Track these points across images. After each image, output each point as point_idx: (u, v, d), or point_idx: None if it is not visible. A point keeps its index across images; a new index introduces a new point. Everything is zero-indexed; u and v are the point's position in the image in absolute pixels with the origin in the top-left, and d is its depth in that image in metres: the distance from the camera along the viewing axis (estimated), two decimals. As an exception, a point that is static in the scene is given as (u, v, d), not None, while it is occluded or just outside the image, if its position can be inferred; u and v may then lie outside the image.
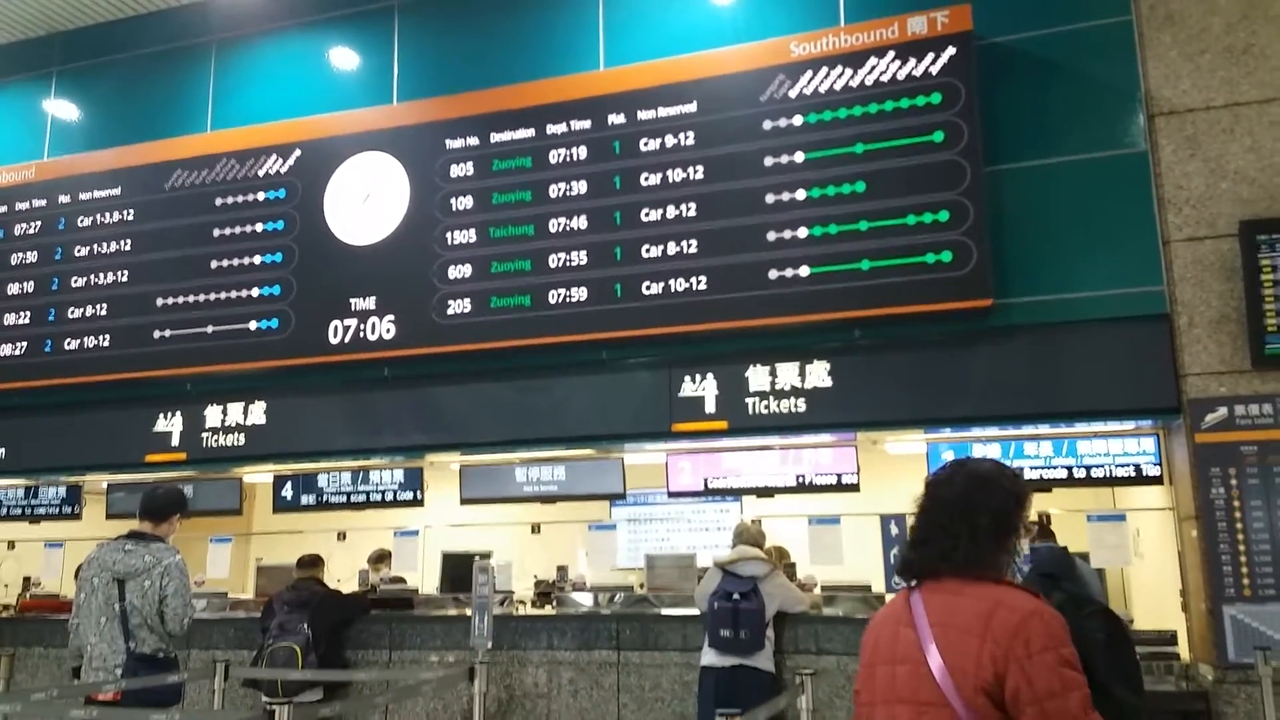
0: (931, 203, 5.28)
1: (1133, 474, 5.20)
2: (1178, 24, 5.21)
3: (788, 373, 5.55)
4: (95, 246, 7.14)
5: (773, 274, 5.52)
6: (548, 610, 6.27)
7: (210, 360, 6.63)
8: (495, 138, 6.27)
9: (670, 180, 5.83)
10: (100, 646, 4.43)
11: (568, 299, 5.89)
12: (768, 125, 5.69)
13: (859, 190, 5.45)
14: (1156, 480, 5.19)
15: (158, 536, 4.62)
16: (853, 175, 5.48)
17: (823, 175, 5.53)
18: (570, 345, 5.89)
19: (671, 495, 6.04)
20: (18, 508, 7.46)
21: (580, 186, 6.02)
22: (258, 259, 6.67)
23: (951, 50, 5.39)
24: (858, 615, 5.34)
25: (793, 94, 5.68)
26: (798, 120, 5.65)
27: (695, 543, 8.76)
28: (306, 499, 6.75)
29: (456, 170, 6.32)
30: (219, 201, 6.87)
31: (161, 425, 6.80)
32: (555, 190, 6.07)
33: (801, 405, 5.49)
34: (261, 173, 6.80)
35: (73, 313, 7.07)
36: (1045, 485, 5.28)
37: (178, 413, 6.78)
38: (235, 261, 6.72)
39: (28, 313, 7.23)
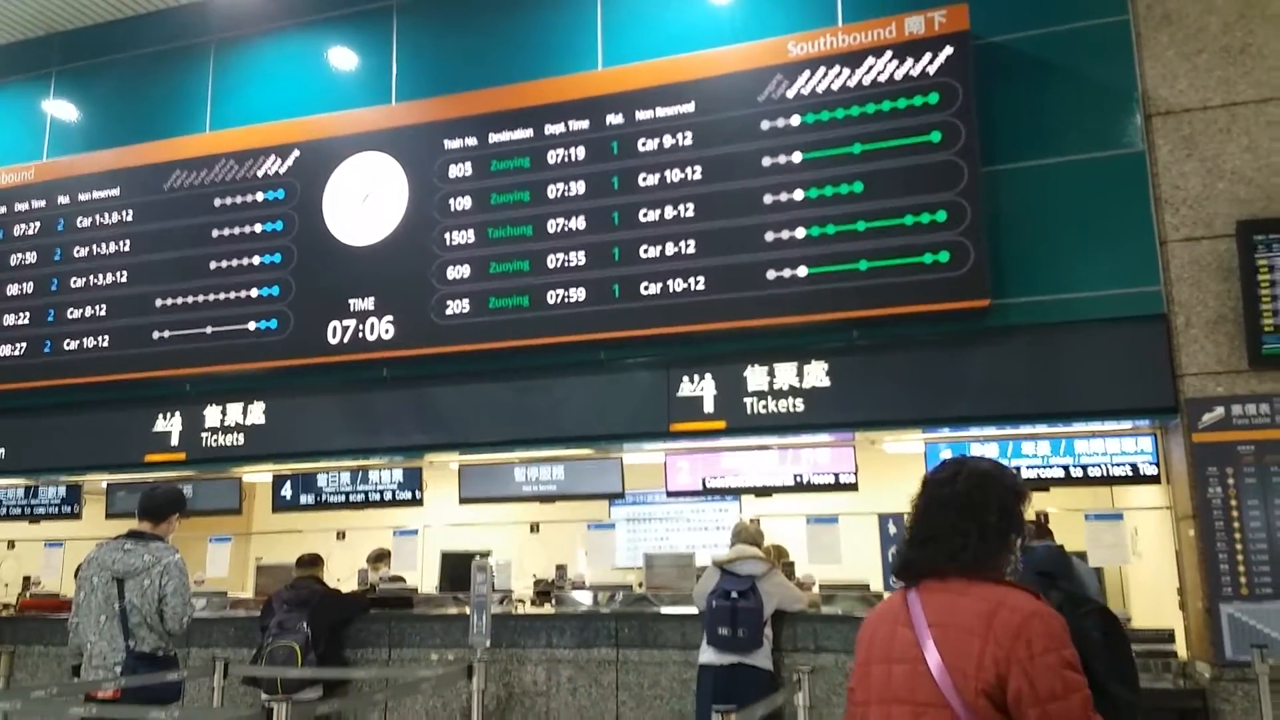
0: (929, 203, 5.29)
1: (1130, 473, 5.22)
2: (1175, 24, 5.22)
3: (786, 373, 5.56)
4: (94, 247, 7.15)
5: (771, 274, 5.53)
6: (547, 609, 6.28)
7: (209, 361, 6.64)
8: (494, 138, 6.28)
9: (668, 180, 5.84)
10: (100, 645, 4.45)
11: (566, 299, 5.90)
12: (765, 125, 5.71)
13: (857, 190, 5.46)
14: (1154, 480, 5.20)
15: (157, 536, 4.63)
16: (850, 175, 5.49)
17: (820, 175, 5.54)
18: (569, 345, 5.90)
19: (670, 495, 6.05)
20: (18, 507, 7.48)
21: (578, 187, 6.03)
22: (257, 259, 6.68)
23: (949, 50, 5.40)
24: (856, 613, 5.35)
25: (790, 94, 5.69)
26: (795, 120, 5.66)
27: (694, 542, 8.77)
28: (306, 498, 6.77)
29: (455, 170, 6.33)
30: (218, 202, 6.88)
31: (161, 425, 6.81)
32: (553, 191, 6.08)
33: (800, 405, 5.51)
34: (260, 173, 6.81)
35: (72, 313, 7.08)
36: (1043, 484, 5.29)
37: (177, 413, 6.80)
38: (234, 262, 6.73)
39: (27, 313, 7.24)
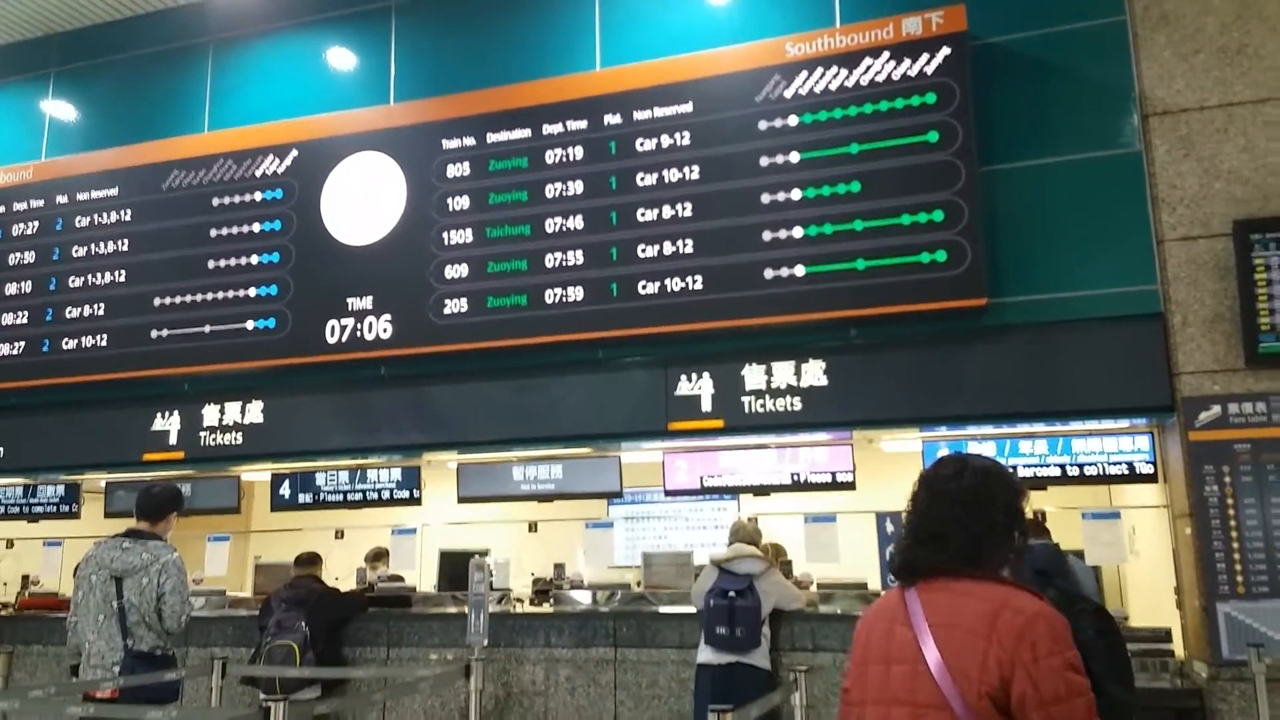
0: (926, 202, 5.30)
1: (1127, 472, 5.22)
2: (1172, 24, 5.23)
3: (783, 372, 5.57)
4: (93, 247, 7.15)
5: (768, 273, 5.54)
6: (545, 608, 6.29)
7: (208, 360, 6.64)
8: (492, 138, 6.29)
9: (666, 180, 5.85)
10: (98, 644, 4.45)
11: (564, 299, 5.91)
12: (763, 125, 5.71)
13: (854, 190, 5.47)
14: (1151, 478, 5.21)
15: (155, 534, 4.64)
16: (848, 175, 5.50)
17: (818, 175, 5.55)
18: (567, 344, 5.90)
19: (668, 494, 6.05)
20: (16, 506, 7.48)
21: (576, 186, 6.04)
22: (255, 259, 6.69)
23: (946, 50, 5.41)
24: (854, 612, 5.36)
25: (788, 94, 5.70)
26: (793, 120, 5.66)
27: (692, 541, 8.78)
28: (304, 497, 6.78)
29: (453, 170, 6.33)
30: (216, 202, 6.88)
31: (159, 424, 6.82)
32: (551, 190, 6.08)
33: (797, 404, 5.51)
34: (259, 173, 6.82)
35: (70, 313, 7.09)
36: (1040, 483, 5.30)
37: (175, 412, 6.80)
38: (232, 261, 6.74)
39: (26, 313, 7.24)
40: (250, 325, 6.59)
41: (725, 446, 5.87)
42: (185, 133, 7.21)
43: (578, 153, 6.08)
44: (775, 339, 5.61)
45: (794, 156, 5.62)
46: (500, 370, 6.11)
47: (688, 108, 5.90)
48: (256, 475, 7.26)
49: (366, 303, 6.33)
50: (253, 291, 6.64)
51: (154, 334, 6.80)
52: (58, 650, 6.49)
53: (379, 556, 7.67)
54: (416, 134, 6.47)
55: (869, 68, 5.56)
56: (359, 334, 6.31)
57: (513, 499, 6.43)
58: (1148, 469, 5.18)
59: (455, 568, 6.65)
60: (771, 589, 5.12)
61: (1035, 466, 5.31)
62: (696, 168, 5.81)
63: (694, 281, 5.66)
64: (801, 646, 5.26)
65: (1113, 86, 5.28)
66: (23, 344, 7.18)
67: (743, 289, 5.56)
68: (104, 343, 6.94)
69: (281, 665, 5.42)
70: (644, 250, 5.80)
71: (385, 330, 6.26)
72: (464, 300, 6.12)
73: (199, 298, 6.75)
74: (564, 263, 5.96)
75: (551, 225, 6.03)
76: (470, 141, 6.33)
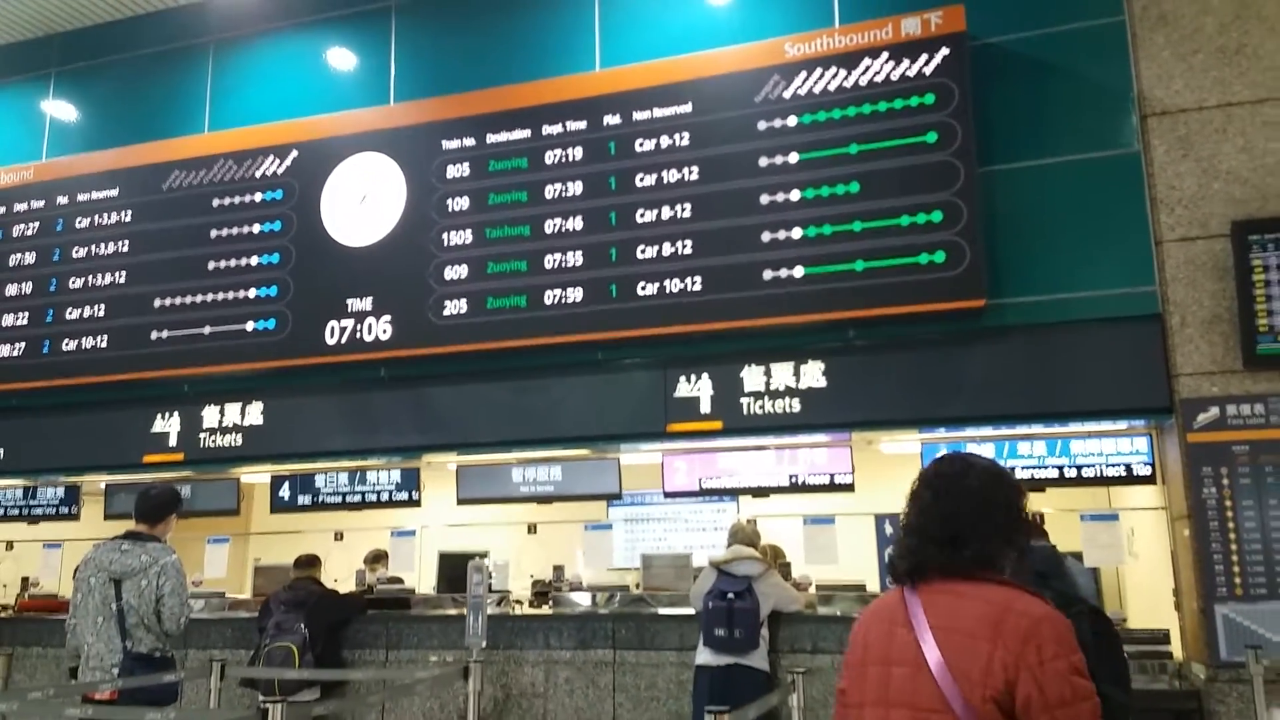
0: (925, 203, 5.30)
1: (1125, 474, 5.22)
2: (1170, 24, 5.23)
3: (782, 373, 5.57)
4: (93, 247, 7.16)
5: (767, 274, 5.53)
6: (545, 610, 6.28)
7: (208, 361, 6.65)
8: (491, 138, 6.29)
9: (665, 181, 5.85)
10: (97, 646, 4.46)
11: (563, 300, 5.91)
12: (762, 126, 5.71)
13: (853, 191, 5.47)
14: (1149, 480, 5.21)
15: (154, 536, 4.64)
16: (847, 176, 5.49)
17: (817, 176, 5.55)
18: (566, 346, 5.90)
19: (667, 495, 6.05)
20: (16, 508, 7.48)
21: (576, 187, 6.04)
22: (255, 260, 6.69)
23: (945, 51, 5.41)
24: (853, 614, 5.34)
25: (787, 95, 5.70)
26: (792, 121, 5.66)
27: (692, 542, 8.77)
28: (304, 499, 6.78)
29: (453, 171, 6.34)
30: (216, 202, 6.89)
31: (159, 426, 6.82)
32: (551, 191, 6.08)
33: (796, 405, 5.51)
34: (259, 174, 6.82)
35: (71, 314, 7.09)
36: (1039, 485, 5.30)
37: (175, 413, 6.80)
38: (232, 262, 6.74)
39: (26, 314, 7.25)
40: (250, 326, 6.59)
41: (724, 448, 5.87)
42: (185, 133, 7.22)
43: (577, 153, 6.08)
44: (774, 340, 5.61)
45: (793, 157, 5.62)
46: (499, 372, 6.11)
47: (687, 108, 5.90)
48: (256, 477, 7.26)
49: (366, 304, 6.34)
50: (253, 292, 6.64)
51: (154, 335, 6.81)
52: (57, 652, 6.49)
53: (378, 558, 7.67)
54: (416, 134, 6.47)
55: (868, 68, 5.56)
56: (359, 335, 6.31)
57: (512, 501, 6.44)
58: (1146, 470, 5.18)
59: (454, 570, 6.65)
60: (770, 591, 5.12)
61: (1034, 468, 5.31)
62: (696, 168, 5.81)
63: (693, 282, 5.66)
64: (800, 648, 5.26)
65: (1111, 87, 5.28)
66: (23, 345, 7.18)
67: (742, 290, 5.56)
68: (104, 344, 6.94)
69: (280, 667, 5.42)
70: (643, 251, 5.81)
71: (385, 331, 6.26)
72: (463, 301, 6.12)
73: (199, 299, 6.75)
74: (563, 264, 5.96)
75: (551, 226, 6.04)
76: (470, 142, 6.33)
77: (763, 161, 5.67)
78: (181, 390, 6.84)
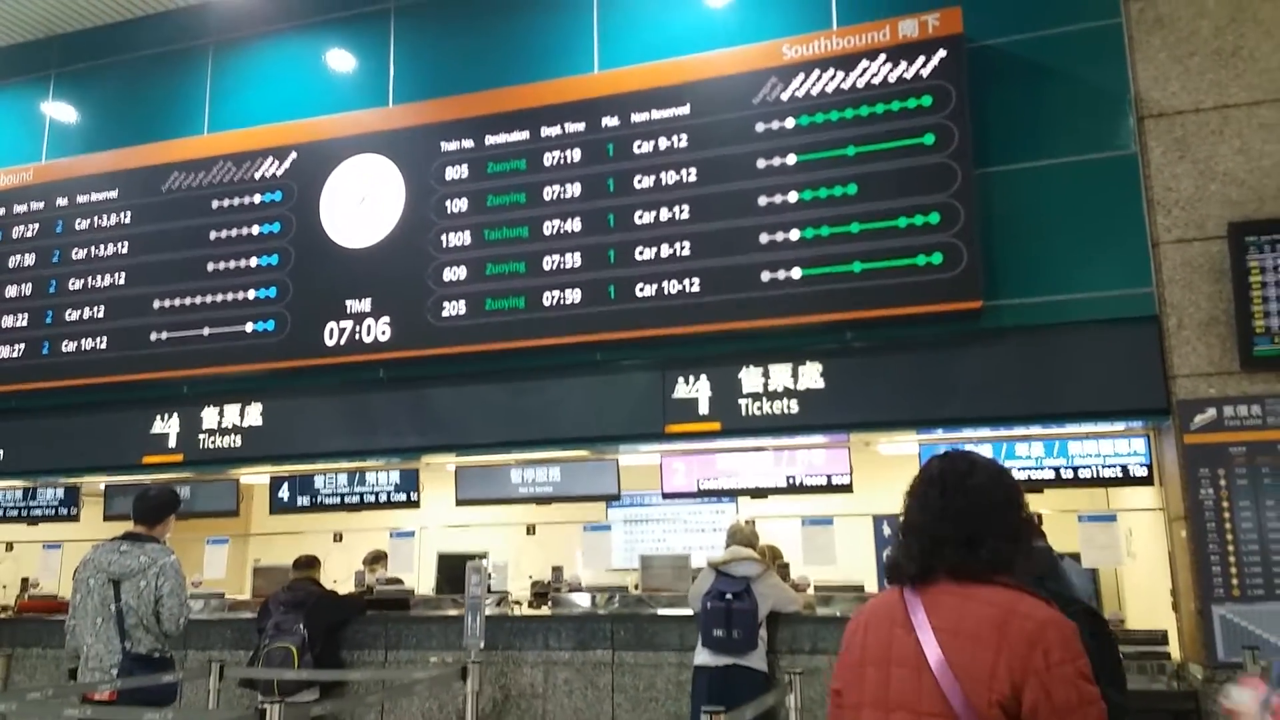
0: (922, 205, 5.31)
1: (1123, 475, 5.23)
2: (1167, 27, 5.24)
3: (780, 374, 5.58)
4: (93, 249, 7.17)
5: (765, 276, 5.54)
6: (544, 611, 6.30)
7: (207, 362, 6.66)
8: (490, 140, 6.30)
9: (663, 182, 5.86)
10: (96, 647, 4.47)
11: (562, 301, 5.92)
12: (760, 128, 5.72)
13: (850, 193, 5.48)
14: (1147, 481, 5.21)
15: (153, 537, 4.65)
16: (844, 178, 5.51)
17: (815, 178, 5.56)
18: (564, 347, 5.91)
19: (666, 496, 6.06)
20: (16, 509, 7.49)
21: (574, 189, 6.05)
22: (254, 261, 6.70)
23: (942, 53, 5.42)
24: (851, 615, 5.36)
25: (785, 97, 5.71)
26: (790, 123, 5.67)
27: (691, 543, 8.80)
28: (303, 500, 6.78)
29: (451, 173, 6.35)
30: (215, 204, 6.90)
31: (159, 427, 6.83)
32: (549, 193, 6.09)
33: (794, 407, 5.52)
34: (258, 175, 6.84)
35: (70, 315, 7.10)
36: (1036, 486, 5.31)
37: (175, 414, 6.81)
38: (232, 264, 6.75)
39: (25, 315, 7.26)
40: (249, 328, 6.60)
41: (723, 449, 5.88)
42: (185, 135, 7.23)
43: (575, 155, 6.10)
44: (772, 341, 5.62)
45: (791, 159, 5.63)
46: (498, 373, 6.12)
47: (685, 110, 5.91)
48: (255, 478, 7.27)
49: (365, 305, 6.35)
50: (252, 294, 6.65)
51: (153, 336, 6.82)
52: (56, 653, 6.51)
53: (377, 559, 7.68)
54: (415, 136, 6.49)
55: (865, 70, 5.57)
56: (358, 336, 6.32)
57: (511, 502, 6.44)
58: (1143, 472, 5.19)
59: (453, 570, 6.68)
60: (768, 591, 5.13)
61: (1031, 469, 5.32)
62: (694, 170, 5.82)
63: (691, 284, 5.67)
64: (798, 649, 5.27)
65: (1108, 89, 5.29)
66: (22, 346, 7.20)
67: (740, 291, 5.57)
68: (103, 345, 6.95)
69: (280, 668, 5.43)
70: (641, 252, 5.82)
71: (384, 333, 6.27)
72: (462, 303, 6.13)
73: (198, 300, 6.76)
74: (562, 265, 5.97)
75: (549, 228, 6.05)
76: (469, 144, 6.34)
77: (760, 163, 5.68)
78: (181, 391, 6.85)
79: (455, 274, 6.19)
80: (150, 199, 7.09)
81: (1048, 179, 5.31)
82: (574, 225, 6.00)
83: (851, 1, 5.84)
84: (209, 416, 6.72)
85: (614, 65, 6.25)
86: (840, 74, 5.62)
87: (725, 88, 5.85)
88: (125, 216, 7.14)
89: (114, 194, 7.22)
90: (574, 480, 6.20)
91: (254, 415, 6.62)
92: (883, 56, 5.54)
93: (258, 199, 6.81)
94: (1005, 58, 5.50)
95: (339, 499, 6.70)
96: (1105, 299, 5.11)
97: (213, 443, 6.68)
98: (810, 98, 5.66)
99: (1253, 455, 4.72)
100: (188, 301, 6.79)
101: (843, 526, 5.78)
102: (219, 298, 6.71)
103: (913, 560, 1.95)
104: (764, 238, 5.59)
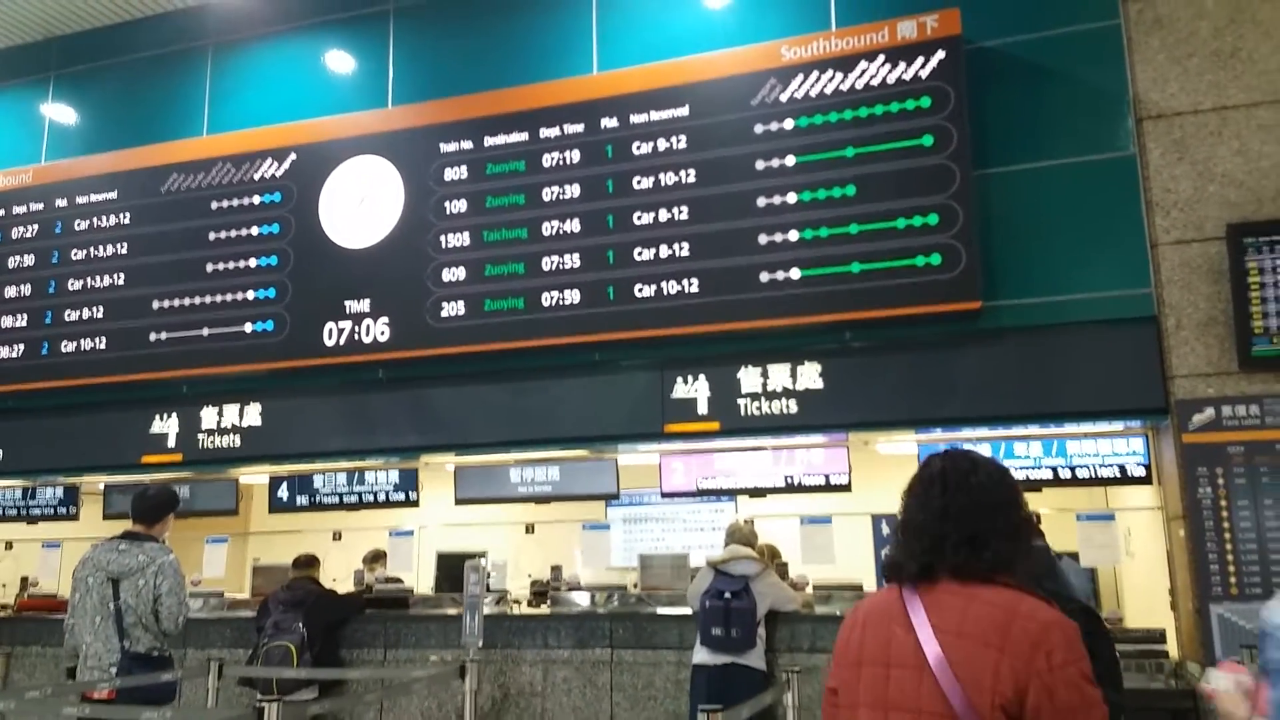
0: (921, 206, 5.32)
1: (1121, 474, 5.24)
2: (1166, 28, 5.25)
3: (779, 374, 5.59)
4: (92, 250, 7.18)
5: (764, 276, 5.55)
6: (543, 609, 6.30)
7: (206, 362, 6.67)
8: (489, 141, 6.31)
9: (662, 183, 5.87)
10: (95, 646, 4.47)
11: (561, 301, 5.93)
12: (759, 129, 5.73)
13: (849, 194, 5.49)
14: (1145, 480, 5.23)
15: (151, 536, 4.65)
16: (843, 179, 5.52)
17: (813, 179, 5.57)
18: (564, 347, 5.92)
19: (665, 495, 6.07)
20: (15, 508, 7.50)
21: (573, 190, 6.06)
22: (253, 262, 6.71)
23: (941, 54, 5.43)
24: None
25: (784, 98, 5.72)
26: (789, 124, 5.68)
27: (690, 542, 8.80)
28: (302, 499, 6.80)
29: (450, 174, 6.36)
30: (215, 205, 6.90)
31: (158, 427, 6.83)
32: (548, 194, 6.10)
33: (793, 406, 5.53)
34: (257, 176, 6.84)
35: (69, 315, 7.11)
36: (1035, 485, 5.32)
37: (174, 414, 6.82)
38: (231, 265, 6.76)
39: (25, 315, 7.27)
40: (249, 328, 6.61)
41: (721, 449, 5.89)
42: (184, 136, 7.24)
43: (574, 156, 6.10)
44: (771, 342, 5.63)
45: (789, 160, 5.64)
46: (497, 373, 6.13)
47: (684, 111, 5.92)
48: (255, 477, 7.28)
49: (364, 305, 6.35)
50: (251, 294, 6.66)
51: (153, 336, 6.83)
52: (56, 652, 6.51)
53: (377, 558, 7.69)
54: (414, 137, 6.49)
55: (864, 71, 5.58)
56: (357, 337, 6.33)
57: (510, 501, 6.46)
58: (1142, 471, 5.20)
59: (453, 569, 6.68)
60: (767, 590, 5.14)
61: (1030, 469, 5.34)
62: (692, 171, 5.83)
63: (690, 285, 5.68)
64: (797, 648, 5.28)
65: (1107, 90, 5.30)
66: (22, 346, 7.20)
67: (739, 292, 5.58)
68: (103, 345, 6.96)
69: (279, 666, 5.44)
70: (640, 253, 5.83)
71: (383, 333, 6.28)
72: (461, 303, 6.14)
73: (197, 300, 6.77)
74: (561, 266, 5.98)
75: (548, 228, 6.05)
76: (468, 145, 6.35)
77: (759, 164, 5.69)
78: (180, 391, 6.86)
79: (454, 275, 6.20)
80: (149, 200, 7.10)
81: (1046, 180, 5.32)
82: (573, 226, 6.01)
83: (850, 3, 5.85)
84: (208, 416, 6.73)
85: (613, 66, 6.26)
86: (839, 75, 5.63)
87: (724, 89, 5.86)
88: (124, 217, 7.15)
89: (113, 195, 7.23)
90: (573, 479, 6.22)
91: (253, 415, 6.63)
92: (881, 58, 5.55)
93: (257, 200, 6.81)
94: (1004, 59, 5.51)
95: (338, 498, 6.71)
96: (1104, 300, 5.12)
97: (212, 442, 6.68)
98: (809, 99, 5.67)
99: (1251, 455, 4.73)
100: (187, 302, 6.80)
101: (841, 526, 5.79)
102: (218, 298, 6.72)
103: (913, 559, 1.92)
104: (763, 238, 5.60)
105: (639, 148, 5.96)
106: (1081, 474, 5.28)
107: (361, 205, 6.53)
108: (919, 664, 1.82)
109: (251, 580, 7.61)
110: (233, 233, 6.81)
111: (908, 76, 5.48)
